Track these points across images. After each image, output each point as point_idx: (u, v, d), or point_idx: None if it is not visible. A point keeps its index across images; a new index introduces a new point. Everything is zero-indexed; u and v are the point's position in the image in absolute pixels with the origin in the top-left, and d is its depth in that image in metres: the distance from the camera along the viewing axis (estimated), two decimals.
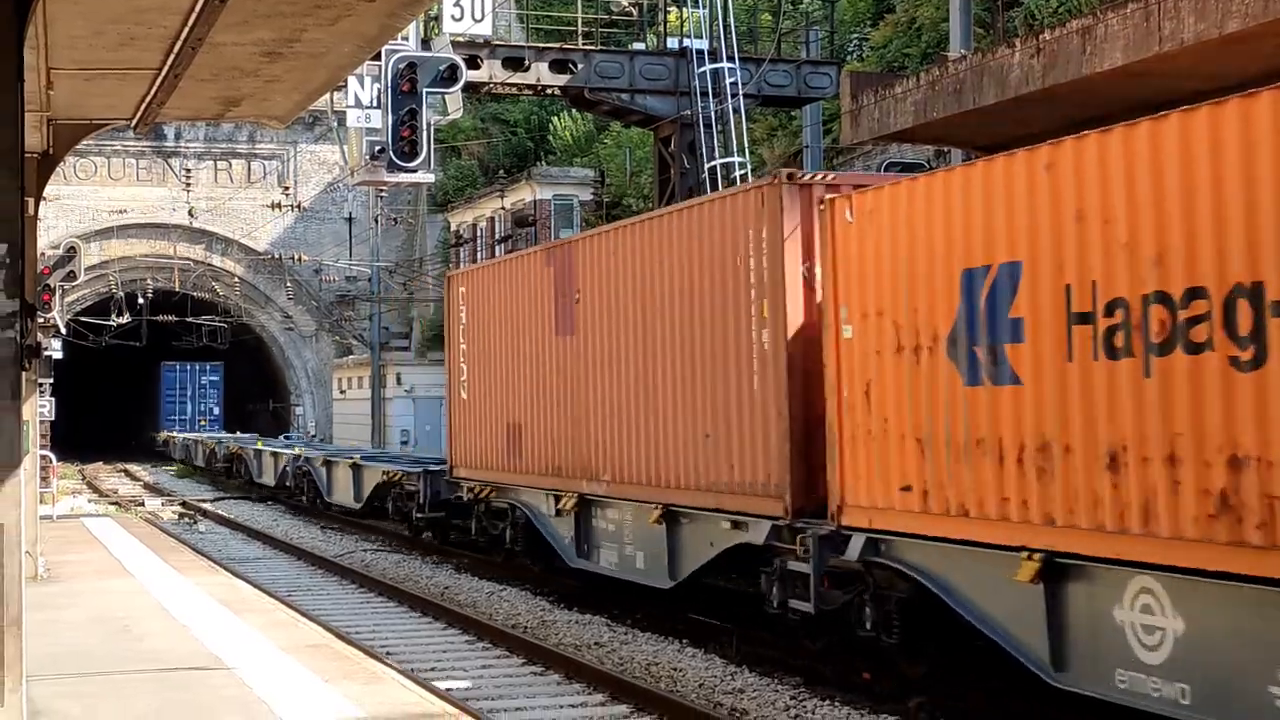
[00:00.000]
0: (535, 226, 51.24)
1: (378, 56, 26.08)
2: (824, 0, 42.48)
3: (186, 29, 10.20)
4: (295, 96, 12.95)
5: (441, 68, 27.36)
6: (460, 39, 30.73)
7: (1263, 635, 10.10)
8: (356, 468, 34.15)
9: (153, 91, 12.54)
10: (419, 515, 28.63)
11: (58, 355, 40.88)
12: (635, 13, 44.19)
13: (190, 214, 61.32)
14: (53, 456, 33.28)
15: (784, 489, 15.44)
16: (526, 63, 33.56)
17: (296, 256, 60.77)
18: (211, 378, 76.26)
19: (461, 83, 28.13)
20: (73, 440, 63.30)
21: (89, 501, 42.01)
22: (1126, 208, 11.18)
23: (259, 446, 48.00)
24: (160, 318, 63.64)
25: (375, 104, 27.56)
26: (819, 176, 15.89)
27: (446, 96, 29.11)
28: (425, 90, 27.11)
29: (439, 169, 53.33)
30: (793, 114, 42.59)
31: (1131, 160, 11.15)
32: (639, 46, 37.23)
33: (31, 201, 14.86)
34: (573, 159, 58.10)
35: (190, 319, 65.55)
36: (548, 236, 51.71)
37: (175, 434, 69.54)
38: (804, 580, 14.89)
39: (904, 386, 13.62)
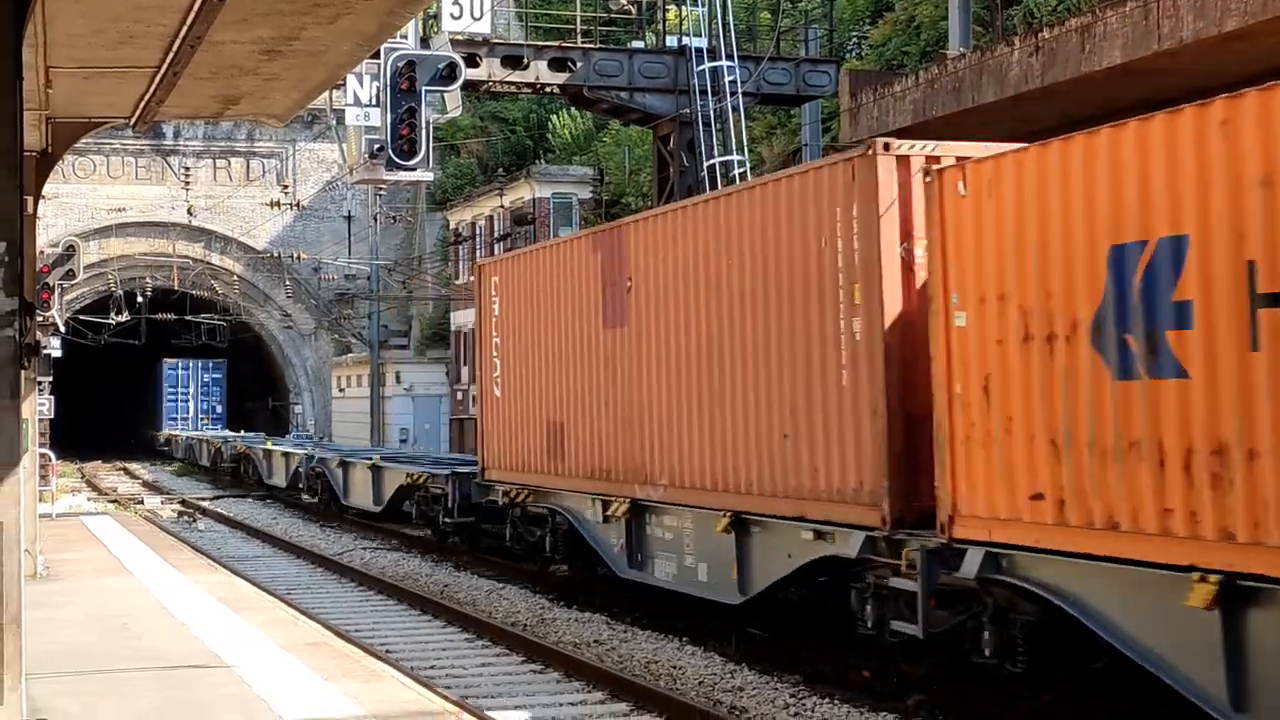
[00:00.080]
0: (534, 225, 51.25)
1: (377, 55, 26.07)
2: None
3: (185, 27, 10.20)
4: (294, 95, 12.95)
5: (440, 66, 27.35)
6: (459, 37, 30.72)
7: None
8: (376, 469, 32.78)
9: (152, 90, 12.54)
10: (447, 520, 27.11)
11: (57, 354, 40.90)
12: (634, 11, 44.17)
13: (189, 212, 61.33)
14: (52, 455, 33.28)
15: (881, 496, 13.87)
16: (525, 61, 33.56)
17: (295, 255, 60.78)
18: (214, 375, 75.27)
19: (460, 81, 28.13)
20: (72, 438, 63.31)
21: (88, 500, 41.99)
22: None
23: (269, 446, 46.55)
24: (159, 316, 63.63)
25: (374, 102, 27.56)
26: (918, 146, 14.24)
27: (445, 95, 29.12)
28: (424, 88, 27.10)
29: (438, 167, 53.38)
30: (792, 112, 42.61)
31: None
32: (638, 45, 37.22)
33: (30, 200, 14.86)
34: (572, 157, 58.11)
35: (189, 317, 65.55)
36: (546, 235, 51.71)
37: (178, 432, 68.97)
38: (908, 599, 13.31)
39: (1034, 381, 12.05)
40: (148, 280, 64.18)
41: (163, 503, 43.49)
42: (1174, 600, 10.51)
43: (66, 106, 13.88)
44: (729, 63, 33.26)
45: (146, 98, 12.96)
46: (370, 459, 33.92)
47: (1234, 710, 10.30)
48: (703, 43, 33.84)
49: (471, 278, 57.77)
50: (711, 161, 32.49)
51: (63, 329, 41.70)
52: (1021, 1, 35.08)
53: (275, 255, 63.23)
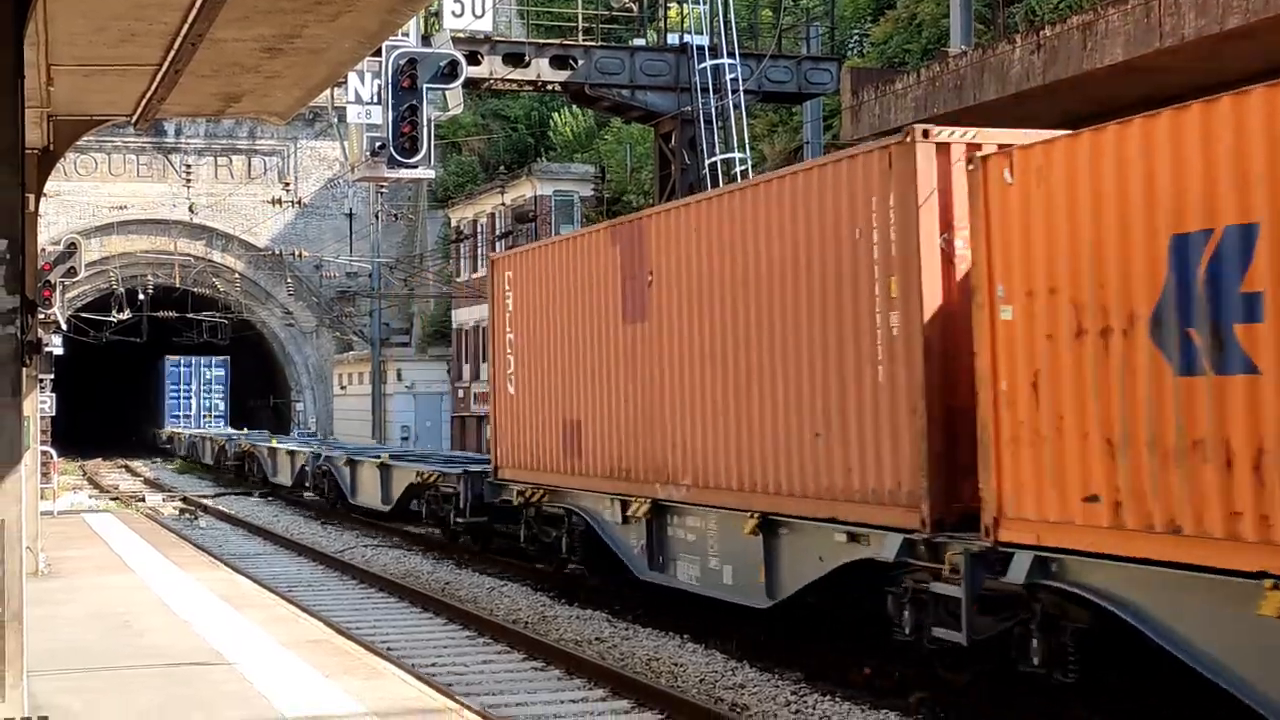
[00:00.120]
0: (536, 222, 51.26)
1: (378, 53, 26.07)
2: None
3: (187, 25, 10.20)
4: (296, 92, 12.96)
5: (442, 64, 27.36)
6: (461, 35, 30.73)
7: None
8: (385, 468, 32.05)
9: (153, 88, 12.55)
10: (459, 520, 26.47)
11: (58, 351, 40.88)
12: (635, 8, 44.17)
13: (191, 210, 61.37)
14: (53, 452, 33.28)
15: (920, 497, 13.29)
16: (527, 59, 33.54)
17: (297, 252, 60.82)
18: (217, 372, 74.28)
19: (462, 79, 28.12)
20: (73, 436, 63.34)
21: (89, 497, 42.01)
22: None
23: (274, 444, 45.87)
24: (161, 314, 63.66)
25: (376, 100, 27.56)
26: (958, 134, 13.62)
27: (447, 92, 29.13)
28: (426, 86, 27.10)
29: (439, 165, 53.39)
30: (793, 110, 42.59)
31: None
32: (639, 42, 37.21)
33: (32, 198, 14.87)
34: (573, 155, 58.13)
35: (191, 315, 65.58)
36: (548, 232, 51.70)
37: (180, 430, 68.44)
38: (950, 605, 12.75)
39: (1087, 377, 11.46)
40: (149, 278, 64.22)
41: (164, 500, 43.49)
42: (1243, 608, 9.99)
43: (68, 104, 13.89)
44: (730, 60, 33.25)
45: (148, 95, 12.97)
46: (378, 457, 33.28)
47: None
48: (704, 40, 33.83)
49: (474, 275, 57.94)
50: (713, 159, 32.49)
51: (64, 326, 41.70)
52: None
53: (277, 253, 63.30)
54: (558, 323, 21.38)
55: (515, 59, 33.46)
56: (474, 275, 58.29)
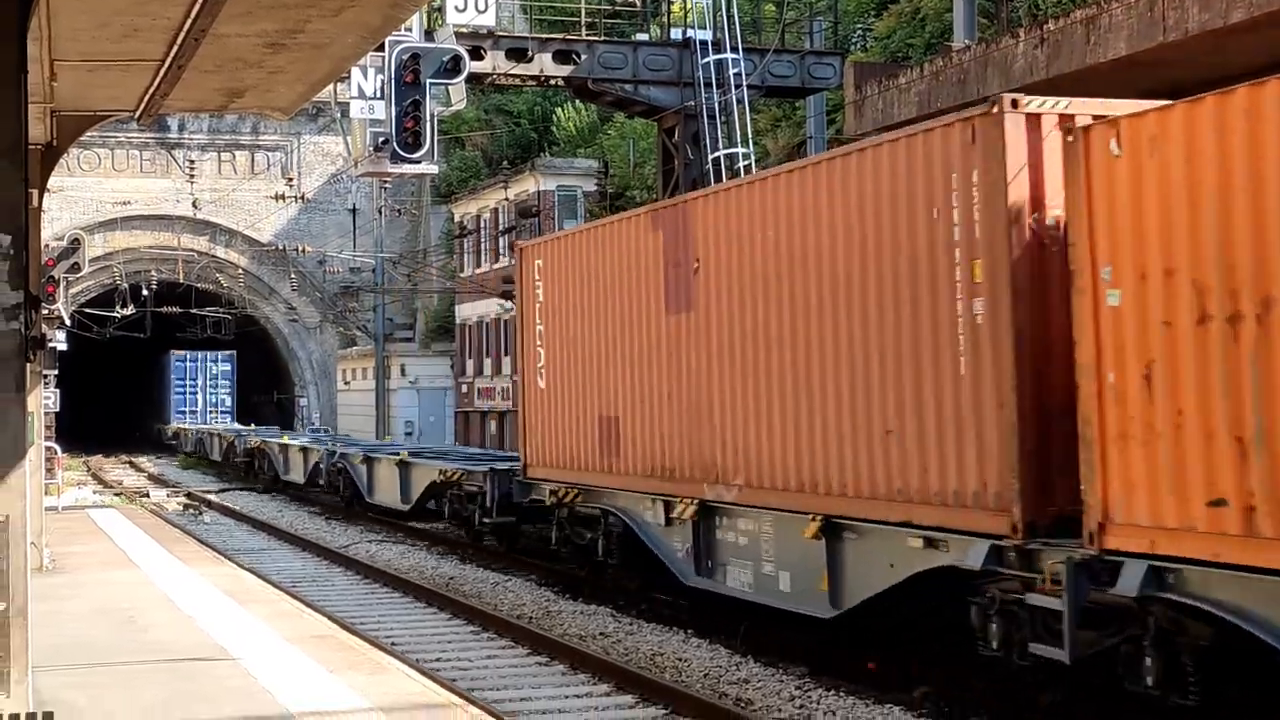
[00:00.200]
0: (539, 217, 51.25)
1: (381, 48, 26.04)
2: None
3: (190, 20, 10.20)
4: (299, 88, 12.96)
5: (445, 59, 27.34)
6: (463, 30, 30.72)
7: None
8: (404, 465, 30.90)
9: (156, 83, 12.55)
10: (485, 520, 25.27)
11: (62, 347, 40.89)
12: (639, 3, 44.15)
13: (194, 205, 61.41)
14: (57, 448, 33.33)
15: (1010, 500, 12.24)
16: (530, 53, 33.53)
17: (300, 248, 60.81)
18: (223, 367, 73.40)
19: (465, 74, 28.10)
20: (77, 432, 63.45)
21: (94, 493, 42.07)
22: None
23: (285, 441, 44.53)
24: (164, 309, 63.68)
25: (379, 95, 27.53)
26: (1049, 103, 12.55)
27: (450, 87, 29.06)
28: (429, 81, 27.08)
29: (442, 160, 53.41)
30: (796, 105, 42.57)
31: None
32: (642, 37, 37.19)
33: (35, 193, 14.87)
34: (576, 150, 58.12)
35: (194, 310, 65.60)
36: (551, 228, 51.67)
37: (187, 426, 67.86)
38: (1047, 618, 11.68)
39: (1213, 368, 10.41)
40: (153, 273, 64.22)
41: (168, 496, 43.54)
42: None
43: (71, 99, 13.89)
44: (734, 55, 33.23)
45: (151, 91, 12.97)
46: (397, 454, 32.15)
47: None
48: (707, 35, 33.82)
49: (477, 270, 57.95)
50: (716, 154, 32.48)
51: (68, 322, 41.76)
52: None
53: (280, 248, 63.29)
54: (593, 313, 20.40)
55: (518, 54, 33.45)
56: (477, 270, 58.30)
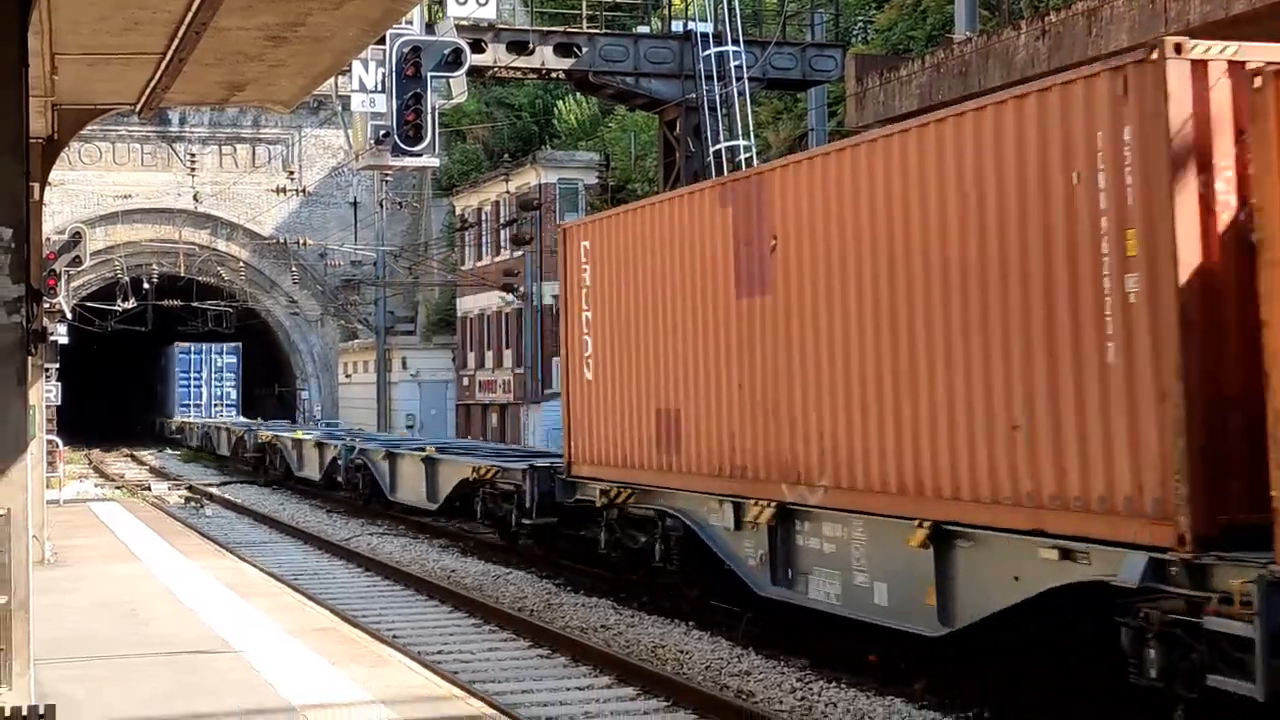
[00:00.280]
0: (540, 210, 51.28)
1: (382, 41, 26.05)
2: None
3: (190, 13, 10.19)
4: (300, 81, 12.94)
5: (446, 52, 27.33)
6: (464, 23, 30.73)
7: None
8: (431, 462, 29.08)
9: (157, 76, 12.54)
10: (525, 521, 23.30)
11: (63, 340, 40.88)
12: None
13: (195, 199, 61.45)
14: (59, 441, 33.34)
15: (1174, 507, 10.74)
16: (531, 46, 33.55)
17: (301, 241, 60.88)
18: (228, 359, 72.19)
19: (466, 67, 28.10)
20: (79, 425, 63.50)
21: (95, 486, 42.09)
22: None
23: (299, 436, 42.71)
24: (166, 302, 63.70)
25: (380, 88, 27.53)
26: (1215, 48, 11.06)
27: (451, 80, 29.06)
28: (430, 74, 27.08)
29: (443, 153, 53.42)
30: (798, 97, 42.57)
31: None
32: (643, 30, 37.19)
33: (36, 186, 14.87)
34: (577, 143, 58.13)
35: (196, 304, 65.63)
36: (553, 220, 51.70)
37: (192, 420, 67.07)
38: (1228, 645, 10.20)
39: None
40: (154, 267, 64.30)
41: (170, 489, 43.57)
42: None
43: (72, 93, 13.88)
44: (735, 47, 33.24)
45: (152, 84, 12.96)
46: (423, 450, 30.32)
47: None
48: (708, 27, 33.84)
49: (478, 263, 57.94)
50: (717, 147, 32.50)
51: (69, 316, 41.71)
52: None
53: (281, 241, 63.38)
54: (648, 298, 18.82)
55: (519, 47, 33.46)
56: (478, 263, 58.32)
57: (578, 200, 52.76)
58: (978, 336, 12.88)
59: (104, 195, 65.93)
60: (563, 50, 33.97)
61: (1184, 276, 10.82)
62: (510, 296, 52.58)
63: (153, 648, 13.57)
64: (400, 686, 11.75)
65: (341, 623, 15.59)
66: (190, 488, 43.49)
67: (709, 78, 33.04)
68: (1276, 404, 9.95)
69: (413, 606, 20.67)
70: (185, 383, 72.16)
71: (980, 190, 12.82)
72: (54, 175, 18.52)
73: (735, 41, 33.29)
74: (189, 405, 71.27)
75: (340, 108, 38.60)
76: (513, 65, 33.56)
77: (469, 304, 60.01)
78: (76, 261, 28.02)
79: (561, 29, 35.45)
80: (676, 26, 35.30)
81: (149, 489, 43.25)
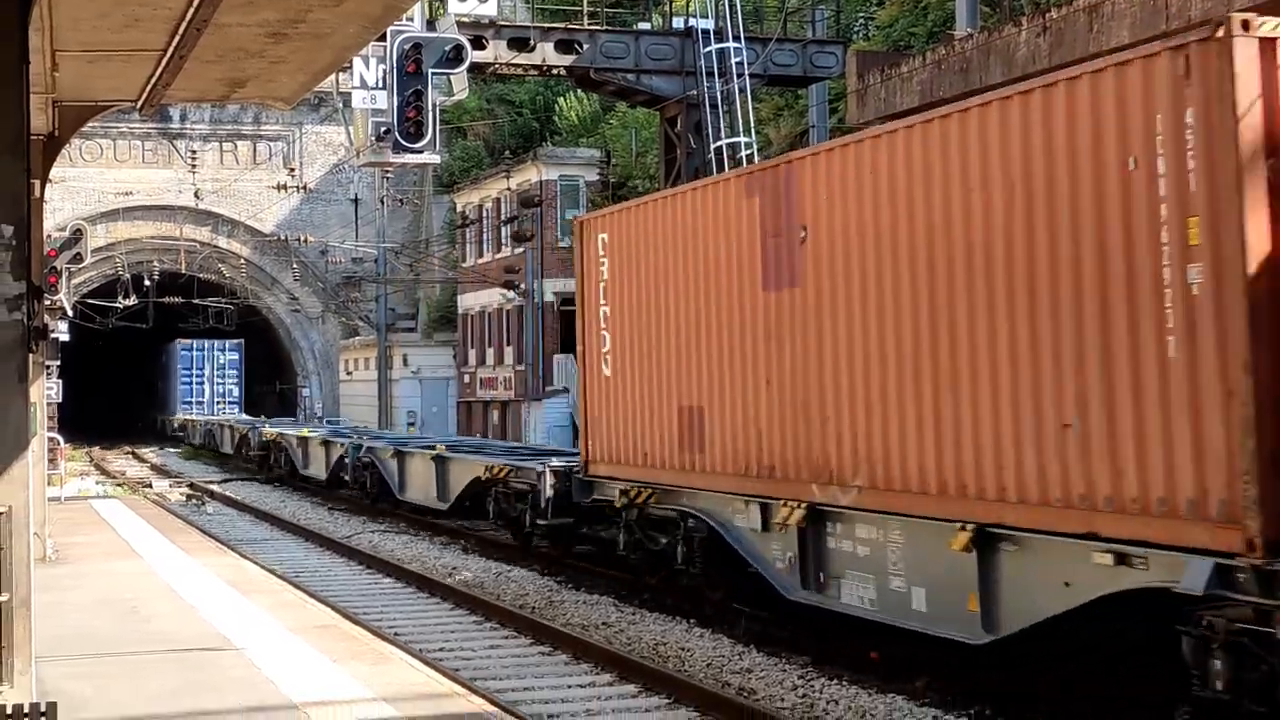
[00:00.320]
0: (541, 207, 51.27)
1: (383, 37, 26.06)
2: None
3: (191, 10, 10.19)
4: (301, 78, 12.94)
5: (447, 48, 27.34)
6: (465, 19, 30.74)
7: None
8: (441, 460, 28.55)
9: (158, 73, 12.53)
10: (540, 521, 22.69)
11: (64, 338, 40.93)
12: None
13: (196, 196, 61.46)
14: (60, 438, 33.36)
15: (1243, 510, 10.23)
16: (532, 43, 33.54)
17: (302, 238, 60.86)
18: (231, 356, 71.75)
19: (467, 63, 28.12)
20: (80, 422, 63.46)
21: (96, 483, 42.10)
22: None
23: (304, 434, 42.02)
24: (167, 300, 63.71)
25: (381, 85, 27.54)
26: None
27: (452, 77, 29.10)
28: (430, 71, 27.09)
29: (444, 150, 53.37)
30: (799, 93, 42.55)
31: None
32: (644, 26, 37.20)
33: (37, 184, 14.87)
34: (578, 140, 58.13)
35: (197, 301, 65.63)
36: (554, 217, 51.71)
37: (194, 417, 66.63)
38: None
39: None
40: (155, 264, 64.29)
41: (171, 486, 43.58)
42: None
43: (73, 90, 13.88)
44: (736, 44, 33.24)
45: (153, 81, 12.95)
46: (433, 448, 29.75)
47: None
48: (709, 24, 33.85)
49: (479, 260, 57.94)
50: (718, 143, 32.49)
51: (70, 313, 41.75)
52: None
53: (282, 238, 63.34)
54: (671, 292, 18.24)
55: (520, 43, 33.45)
56: (479, 260, 58.31)
57: (579, 197, 52.76)
58: (1025, 329, 12.31)
59: (105, 192, 65.93)
60: (564, 47, 33.96)
61: (1253, 266, 10.30)
62: (511, 293, 52.59)
63: (154, 645, 13.57)
64: (401, 684, 11.75)
65: (343, 620, 15.58)
66: (191, 485, 43.50)
67: (710, 74, 33.03)
68: None
69: (414, 604, 20.67)
70: (188, 380, 71.75)
71: (1028, 177, 12.27)
72: (55, 172, 18.51)
73: (736, 38, 33.28)
74: (191, 402, 70.93)
75: (341, 104, 38.61)
76: (514, 62, 33.55)
77: (470, 301, 60.00)
78: (77, 258, 28.03)
79: (562, 25, 35.44)
80: (677, 23, 35.32)
81: (150, 486, 43.27)
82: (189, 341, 71.35)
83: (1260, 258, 10.32)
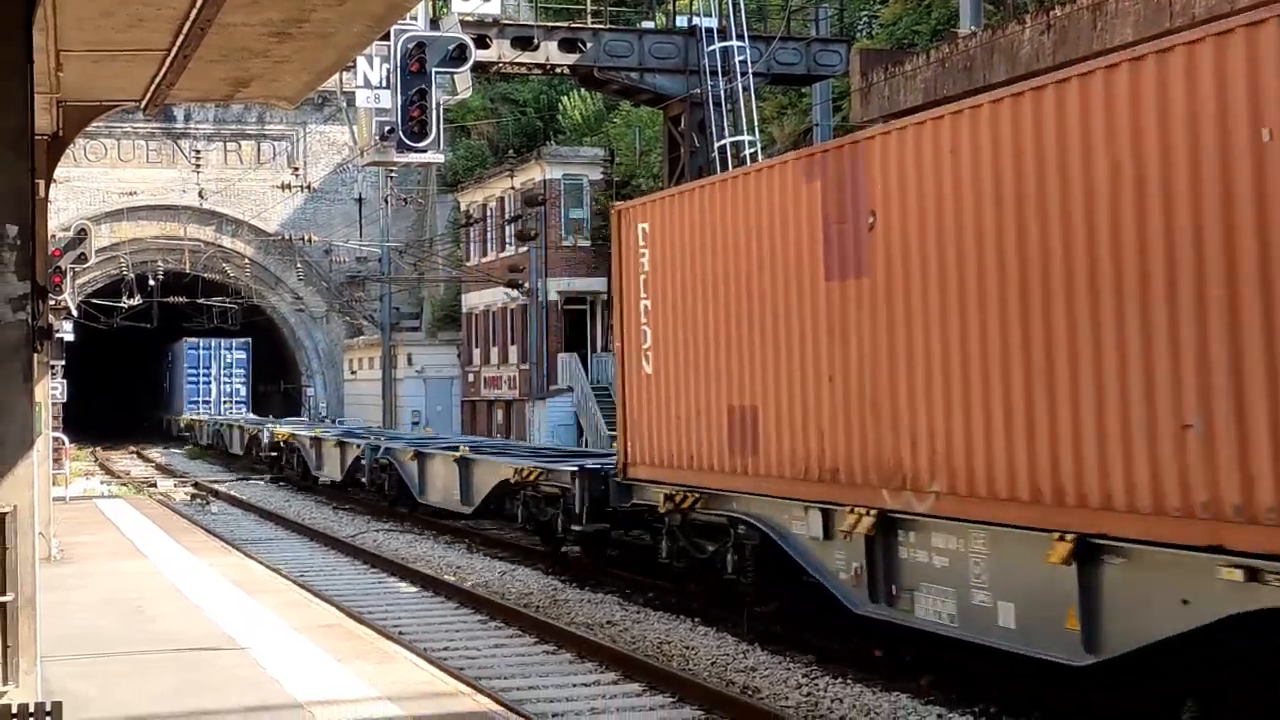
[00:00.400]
0: (545, 205, 51.29)
1: (387, 36, 26.07)
2: None
3: (195, 10, 10.19)
4: (304, 77, 12.94)
5: (450, 47, 27.35)
6: (469, 18, 30.75)
7: None
8: (465, 462, 27.45)
9: (162, 73, 12.53)
10: (574, 527, 21.46)
11: (69, 337, 40.97)
12: None
13: (200, 195, 61.50)
14: (65, 438, 33.39)
15: None
16: (535, 42, 33.56)
17: (306, 237, 60.92)
18: (238, 355, 71.04)
19: (470, 62, 28.12)
20: (84, 422, 63.48)
21: (101, 483, 42.14)
22: None
23: (318, 434, 40.87)
24: (171, 299, 63.78)
25: (384, 84, 27.55)
26: None
27: (455, 76, 29.10)
28: (434, 70, 27.10)
29: (448, 149, 53.39)
30: (802, 92, 42.53)
31: None
32: (648, 25, 37.21)
33: (42, 184, 14.88)
34: (582, 138, 58.16)
35: (201, 300, 65.69)
36: (557, 216, 51.75)
37: (201, 417, 65.87)
38: None
39: None
40: (159, 263, 64.35)
41: (176, 486, 43.62)
42: None
43: (77, 90, 13.88)
44: (739, 43, 33.24)
45: (157, 81, 12.95)
46: (456, 450, 28.67)
47: None
48: (713, 23, 33.86)
49: (483, 259, 57.95)
50: (722, 142, 32.49)
51: (75, 313, 41.79)
52: None
53: (286, 238, 63.40)
54: (719, 284, 17.21)
55: (524, 42, 33.46)
56: (483, 259, 58.33)
57: (582, 196, 52.79)
58: (1135, 320, 11.13)
59: (109, 192, 65.99)
60: (567, 46, 33.97)
61: None
62: (515, 292, 52.61)
63: (159, 644, 13.57)
64: (406, 683, 11.75)
65: (347, 619, 15.59)
66: (196, 484, 43.53)
67: (713, 73, 33.04)
68: None
69: (418, 603, 20.68)
70: (194, 379, 71.20)
71: (1139, 152, 11.11)
72: (59, 172, 18.52)
73: (740, 37, 33.28)
74: (197, 402, 70.36)
75: (345, 104, 38.64)
76: (517, 61, 33.56)
77: (474, 300, 60.02)
78: (82, 258, 28.08)
79: (566, 24, 35.45)
80: (681, 22, 35.34)
81: (155, 486, 43.30)
82: (196, 340, 70.91)
83: None
